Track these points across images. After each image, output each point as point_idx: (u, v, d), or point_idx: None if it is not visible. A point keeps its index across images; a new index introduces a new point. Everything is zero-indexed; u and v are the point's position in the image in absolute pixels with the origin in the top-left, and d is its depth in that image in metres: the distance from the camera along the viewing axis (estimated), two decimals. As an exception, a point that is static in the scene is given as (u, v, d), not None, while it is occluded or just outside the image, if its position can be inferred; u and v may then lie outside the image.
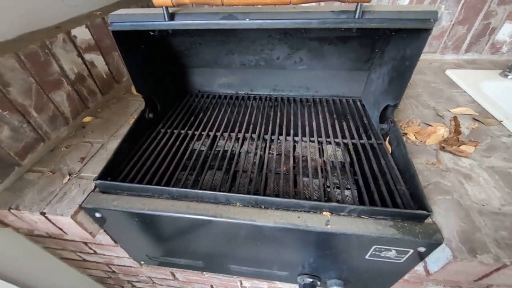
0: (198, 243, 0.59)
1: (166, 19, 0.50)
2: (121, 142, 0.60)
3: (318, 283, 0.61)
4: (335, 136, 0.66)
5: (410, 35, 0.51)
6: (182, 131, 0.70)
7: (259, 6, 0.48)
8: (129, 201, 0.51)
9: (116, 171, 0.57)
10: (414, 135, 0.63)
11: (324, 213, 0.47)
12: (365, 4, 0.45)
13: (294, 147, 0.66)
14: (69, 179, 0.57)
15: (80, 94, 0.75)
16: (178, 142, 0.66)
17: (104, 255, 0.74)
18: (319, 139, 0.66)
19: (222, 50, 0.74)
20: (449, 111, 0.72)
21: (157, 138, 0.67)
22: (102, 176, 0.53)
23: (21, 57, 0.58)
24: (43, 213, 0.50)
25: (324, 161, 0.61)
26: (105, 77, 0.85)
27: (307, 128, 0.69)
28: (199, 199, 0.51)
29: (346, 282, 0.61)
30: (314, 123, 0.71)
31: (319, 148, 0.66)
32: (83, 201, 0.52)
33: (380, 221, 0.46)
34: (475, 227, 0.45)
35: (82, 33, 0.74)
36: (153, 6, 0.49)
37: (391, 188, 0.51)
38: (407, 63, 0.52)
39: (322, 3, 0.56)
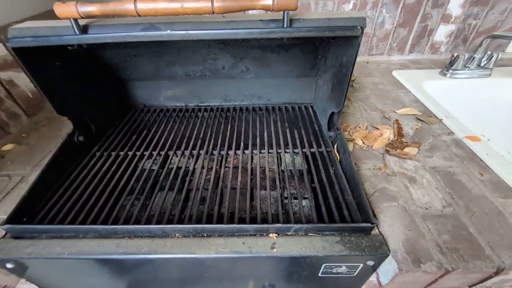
0: (140, 281, 0.52)
1: (77, 32, 0.44)
2: (40, 174, 0.52)
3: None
4: (292, 145, 0.64)
5: (344, 42, 0.50)
6: (127, 152, 0.63)
7: (185, 15, 0.44)
8: (47, 246, 0.44)
9: (34, 210, 0.49)
10: (362, 139, 0.62)
11: (270, 235, 0.44)
12: (292, 12, 0.42)
13: (252, 158, 0.62)
14: (-26, 225, 0.48)
15: (-5, 119, 0.65)
16: (121, 165, 0.59)
17: (38, 302, 0.64)
18: (277, 149, 0.63)
19: (161, 62, 0.68)
20: (395, 112, 0.74)
21: (90, 164, 0.59)
22: (13, 218, 0.45)
23: None
24: None
25: (281, 172, 0.58)
26: (31, 96, 0.75)
27: (264, 138, 0.66)
28: (132, 235, 0.45)
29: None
30: (269, 133, 0.68)
31: (276, 158, 0.63)
32: (-12, 251, 0.44)
33: (327, 238, 0.43)
34: (420, 234, 0.44)
35: (-9, 49, 0.64)
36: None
37: (339, 199, 0.50)
38: (344, 71, 0.51)
39: (250, 12, 0.54)
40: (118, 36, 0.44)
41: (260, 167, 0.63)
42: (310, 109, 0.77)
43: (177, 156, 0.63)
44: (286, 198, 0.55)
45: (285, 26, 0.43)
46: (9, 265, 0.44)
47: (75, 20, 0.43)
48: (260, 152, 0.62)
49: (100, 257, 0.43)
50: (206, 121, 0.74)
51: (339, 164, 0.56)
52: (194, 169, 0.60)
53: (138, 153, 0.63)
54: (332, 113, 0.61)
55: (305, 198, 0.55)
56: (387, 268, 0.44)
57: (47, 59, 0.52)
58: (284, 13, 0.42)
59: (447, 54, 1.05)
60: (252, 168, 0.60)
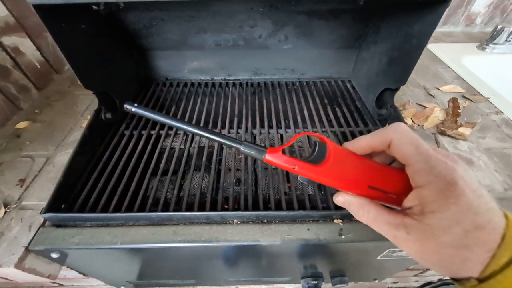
0: (190, 266, 0.50)
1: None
2: (73, 155, 0.46)
3: (323, 282, 0.58)
4: (329, 124, 0.60)
5: (418, 9, 0.44)
6: (153, 132, 0.58)
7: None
8: (95, 235, 0.40)
9: (71, 196, 0.44)
10: (411, 118, 0.59)
11: (335, 220, 0.42)
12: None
13: (283, 137, 0.58)
14: (6, 212, 0.43)
15: (5, 92, 0.57)
16: (149, 146, 0.54)
17: (73, 285, 0.62)
18: (312, 128, 0.59)
19: (192, 28, 0.60)
20: (438, 89, 0.70)
21: (122, 144, 0.54)
22: (52, 206, 0.40)
23: None
24: (-28, 267, 0.37)
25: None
26: (39, 66, 0.66)
27: (296, 116, 0.61)
28: (187, 221, 0.41)
29: (350, 276, 0.58)
30: (302, 110, 0.63)
31: (309, 137, 0.60)
32: (30, 241, 0.40)
33: (395, 223, 0.42)
34: (486, 217, 0.43)
35: (-8, 8, 0.54)
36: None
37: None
38: (414, 42, 0.46)
39: None
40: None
41: (292, 146, 0.60)
42: (348, 84, 0.72)
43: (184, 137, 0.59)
44: None
45: (365, -16, 0.36)
46: (54, 255, 0.41)
47: (112, -30, 0.35)
48: (295, 132, 0.58)
49: (156, 245, 0.39)
50: (234, 96, 0.69)
51: (391, 145, 0.53)
52: (222, 147, 0.57)
53: (163, 132, 0.57)
54: (384, 90, 0.57)
55: None
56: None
57: (71, 21, 0.44)
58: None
59: (481, 27, 0.99)
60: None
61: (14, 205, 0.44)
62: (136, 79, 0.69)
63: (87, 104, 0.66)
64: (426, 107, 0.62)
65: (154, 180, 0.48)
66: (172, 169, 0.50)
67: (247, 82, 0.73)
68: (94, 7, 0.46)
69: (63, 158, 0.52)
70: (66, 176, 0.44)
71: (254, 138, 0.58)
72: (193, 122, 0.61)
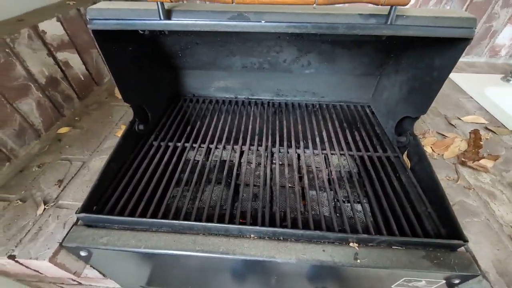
0: (203, 277, 0.52)
1: (162, 17, 0.41)
2: (108, 161, 0.51)
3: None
4: (347, 147, 0.61)
5: (440, 44, 0.46)
6: (178, 144, 0.62)
7: (275, 5, 0.41)
8: (122, 237, 0.43)
9: (103, 199, 0.48)
10: (431, 147, 0.59)
11: (351, 244, 0.42)
12: (399, 7, 0.39)
13: (301, 156, 0.60)
14: (45, 209, 0.48)
15: (53, 100, 0.64)
16: (174, 158, 0.58)
17: (91, 285, 0.65)
18: (330, 150, 0.61)
19: (222, 51, 0.65)
20: (460, 119, 0.70)
21: (150, 154, 0.58)
22: (86, 207, 0.44)
23: (-27, 60, 0.46)
24: (12, 257, 0.41)
25: (332, 173, 0.56)
26: (82, 79, 0.73)
27: (315, 137, 0.63)
28: (207, 232, 0.44)
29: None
30: (321, 132, 0.65)
31: (326, 159, 0.61)
32: (64, 238, 0.43)
33: (412, 252, 0.41)
34: (510, 254, 0.42)
35: (53, 28, 0.62)
36: None
37: (417, 211, 0.47)
38: (435, 74, 0.47)
39: (346, 5, 0.50)
40: (206, 25, 0.41)
41: (309, 166, 0.61)
42: (367, 109, 0.73)
43: (225, 149, 0.62)
44: (338, 201, 0.53)
45: (389, 22, 0.39)
46: (82, 253, 0.44)
47: (162, 4, 0.40)
48: (316, 153, 0.60)
49: (176, 253, 0.42)
50: (256, 115, 0.72)
51: (410, 172, 0.54)
52: (240, 163, 0.60)
53: (188, 145, 0.61)
54: (404, 117, 0.58)
55: (358, 202, 0.53)
56: (473, 287, 0.42)
57: (121, 43, 0.50)
58: (391, 8, 0.38)
59: (506, 58, 0.98)
60: (300, 167, 0.58)
61: (52, 204, 0.49)
62: (166, 94, 0.75)
63: (121, 114, 0.72)
64: (446, 137, 0.62)
65: (177, 190, 0.51)
66: (194, 181, 0.53)
67: (268, 102, 0.77)
68: (140, 31, 0.52)
69: (97, 163, 0.57)
70: (101, 180, 0.48)
71: (272, 155, 0.61)
72: (216, 137, 0.64)
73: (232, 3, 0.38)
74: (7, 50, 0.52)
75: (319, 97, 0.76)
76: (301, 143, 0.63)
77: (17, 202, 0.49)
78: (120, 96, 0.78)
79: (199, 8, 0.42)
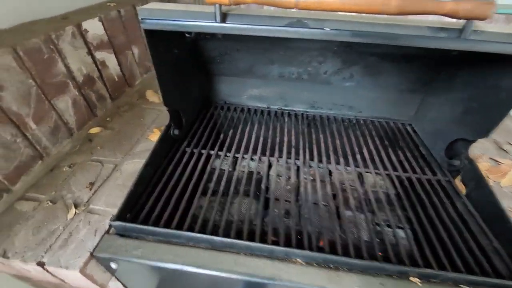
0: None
1: (218, 20, 0.39)
2: (144, 166, 0.48)
3: None
4: (393, 168, 0.57)
5: (509, 62, 0.43)
6: (211, 152, 0.59)
7: (336, 12, 0.38)
8: (157, 251, 0.40)
9: (137, 206, 0.45)
10: (486, 173, 0.54)
11: (411, 278, 0.37)
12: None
13: (334, 172, 0.56)
14: (76, 213, 0.45)
15: (87, 99, 0.62)
16: (207, 166, 0.55)
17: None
18: (367, 169, 0.57)
19: (261, 59, 0.63)
20: (511, 144, 0.65)
21: (183, 161, 0.55)
22: (121, 215, 0.41)
23: (19, 53, 0.45)
24: (41, 264, 0.38)
25: (368, 193, 0.51)
26: (116, 79, 0.72)
27: (357, 155, 0.60)
28: (249, 252, 0.40)
29: None
30: (361, 149, 0.61)
31: (361, 177, 0.57)
32: (96, 247, 0.40)
33: (481, 293, 0.36)
34: None
35: (94, 27, 0.62)
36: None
37: (480, 244, 0.42)
38: (503, 96, 0.44)
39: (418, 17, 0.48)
40: (263, 30, 0.39)
41: (342, 184, 0.57)
42: (409, 127, 0.70)
43: (254, 160, 0.59)
44: (378, 224, 0.49)
45: (463, 36, 0.36)
46: (113, 265, 0.41)
47: (220, 6, 0.38)
48: (347, 169, 0.56)
49: (215, 273, 0.38)
50: (289, 126, 0.69)
51: (466, 199, 0.49)
52: (270, 175, 0.56)
53: (221, 153, 0.58)
54: (456, 139, 0.54)
55: (400, 227, 0.48)
56: None
57: (169, 45, 0.48)
58: (467, 22, 0.35)
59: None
60: (333, 184, 0.54)
61: (83, 207, 0.46)
62: (199, 100, 0.73)
63: (153, 117, 0.70)
64: (501, 163, 0.57)
65: (207, 200, 0.47)
66: (222, 191, 0.50)
67: (302, 114, 0.74)
68: (187, 34, 0.51)
69: (129, 166, 0.54)
70: (136, 185, 0.45)
71: (304, 170, 0.57)
72: (250, 148, 0.61)
73: (294, 8, 0.36)
74: (51, 46, 0.51)
75: (356, 112, 0.73)
76: (335, 159, 0.59)
77: (47, 203, 0.46)
78: (151, 99, 0.77)
79: (255, 12, 0.40)
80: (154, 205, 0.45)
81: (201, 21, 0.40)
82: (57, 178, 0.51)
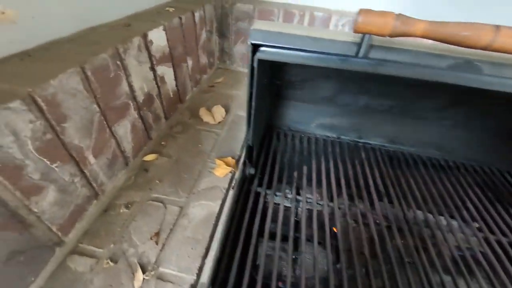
0: None
1: (361, 54, 0.30)
2: (226, 232, 0.39)
3: None
4: (485, 223, 0.47)
5: None
6: (289, 194, 0.50)
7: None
8: None
9: (220, 275, 0.36)
10: None
11: None
12: None
13: (421, 225, 0.46)
14: (144, 279, 0.36)
15: (145, 121, 0.53)
16: (292, 216, 0.45)
17: None
18: (454, 220, 0.47)
19: (352, 89, 0.54)
20: None
21: (259, 207, 0.46)
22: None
23: (87, 74, 0.36)
24: None
25: (465, 253, 0.42)
26: (171, 96, 0.63)
27: (463, 211, 0.50)
28: None
29: None
30: (468, 203, 0.51)
31: (451, 231, 0.47)
32: (176, 336, 0.31)
33: None
34: None
35: (158, 38, 0.53)
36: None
37: None
38: None
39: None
40: (419, 73, 0.30)
41: (423, 237, 0.47)
42: (509, 176, 0.59)
43: (330, 204, 0.49)
44: None
45: None
46: None
47: (369, 37, 0.29)
48: (462, 230, 0.47)
49: None
50: (368, 162, 0.59)
51: None
52: (347, 221, 0.47)
53: (300, 197, 0.49)
54: None
55: None
56: None
57: (265, 72, 0.39)
58: None
59: None
60: (413, 235, 0.45)
61: (152, 272, 0.37)
62: (263, 126, 0.63)
63: (211, 143, 0.61)
64: None
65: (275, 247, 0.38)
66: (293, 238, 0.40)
67: (380, 149, 0.64)
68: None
69: (197, 211, 0.45)
70: (221, 252, 0.36)
71: (382, 214, 0.47)
72: (323, 183, 0.51)
73: (483, 49, 0.26)
74: (118, 62, 0.42)
75: (444, 152, 0.63)
76: (427, 208, 0.49)
77: (108, 262, 0.37)
78: (205, 119, 0.68)
79: (407, 45, 0.31)
80: (240, 272, 0.36)
81: (336, 54, 0.31)
82: (114, 222, 0.42)
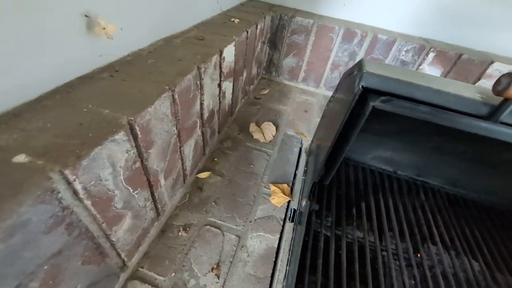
0: None
1: (493, 118, 0.26)
2: (296, 275, 0.36)
3: None
4: None
5: None
6: (350, 235, 0.47)
7: None
8: None
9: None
10: None
11: None
12: None
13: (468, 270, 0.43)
14: (209, 321, 0.34)
15: (204, 138, 0.51)
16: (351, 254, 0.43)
17: None
18: None
19: (427, 129, 0.50)
20: None
21: (322, 252, 0.43)
22: None
23: (175, 97, 0.34)
24: None
25: None
26: (226, 110, 0.61)
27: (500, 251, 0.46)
28: None
29: None
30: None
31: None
32: None
33: None
34: None
35: (229, 54, 0.51)
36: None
37: None
38: None
39: None
40: None
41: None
42: None
43: (384, 250, 0.46)
44: None
45: None
46: None
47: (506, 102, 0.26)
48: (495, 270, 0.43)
49: None
50: (422, 201, 0.56)
51: None
52: (399, 265, 0.44)
53: (351, 236, 0.46)
54: None
55: None
56: None
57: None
58: None
59: None
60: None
61: (216, 311, 0.35)
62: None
63: (263, 164, 0.58)
64: None
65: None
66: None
67: (439, 190, 0.60)
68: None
69: (256, 243, 0.43)
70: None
71: (436, 261, 0.44)
72: (374, 222, 0.48)
73: None
74: (198, 82, 0.40)
75: (510, 199, 0.58)
76: (476, 254, 0.46)
77: (170, 294, 0.35)
78: (255, 136, 0.66)
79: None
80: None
81: (465, 113, 0.27)
82: (174, 247, 0.40)
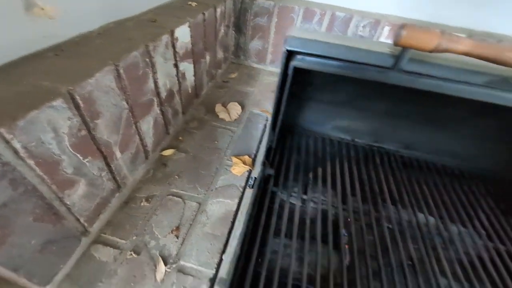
0: None
1: (398, 66, 0.30)
2: (245, 227, 0.40)
3: None
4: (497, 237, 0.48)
5: None
6: (304, 196, 0.51)
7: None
8: None
9: (237, 273, 0.37)
10: None
11: None
12: None
13: (440, 232, 0.47)
14: (167, 272, 0.37)
15: (165, 117, 0.54)
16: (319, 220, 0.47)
17: None
18: (462, 228, 0.48)
19: (374, 94, 0.54)
20: None
21: (275, 207, 0.47)
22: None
23: (120, 71, 0.37)
24: None
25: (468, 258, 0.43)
26: (190, 91, 0.64)
27: (471, 215, 0.50)
28: None
29: None
30: (457, 205, 0.52)
31: (460, 236, 0.48)
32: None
33: None
34: None
35: (183, 34, 0.53)
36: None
37: None
38: None
39: None
40: (454, 89, 0.30)
41: (431, 240, 0.48)
42: (524, 189, 0.59)
43: (335, 207, 0.50)
44: None
45: None
46: None
47: (406, 51, 0.29)
48: (441, 224, 0.48)
49: None
50: (383, 168, 0.60)
51: None
52: (349, 220, 0.48)
53: (315, 199, 0.50)
54: None
55: None
56: None
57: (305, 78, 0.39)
58: None
59: None
60: (421, 238, 0.46)
61: (173, 264, 0.38)
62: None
63: (227, 140, 0.61)
64: None
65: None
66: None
67: (394, 154, 0.65)
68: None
69: (215, 208, 0.46)
70: (241, 250, 0.37)
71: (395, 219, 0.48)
72: (338, 185, 0.52)
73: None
74: (147, 59, 0.42)
75: (459, 161, 0.63)
76: (438, 213, 0.50)
77: (130, 254, 0.39)
78: (221, 115, 0.69)
79: (442, 61, 0.31)
80: (256, 272, 0.37)
81: (373, 65, 0.31)
82: (136, 215, 0.44)
